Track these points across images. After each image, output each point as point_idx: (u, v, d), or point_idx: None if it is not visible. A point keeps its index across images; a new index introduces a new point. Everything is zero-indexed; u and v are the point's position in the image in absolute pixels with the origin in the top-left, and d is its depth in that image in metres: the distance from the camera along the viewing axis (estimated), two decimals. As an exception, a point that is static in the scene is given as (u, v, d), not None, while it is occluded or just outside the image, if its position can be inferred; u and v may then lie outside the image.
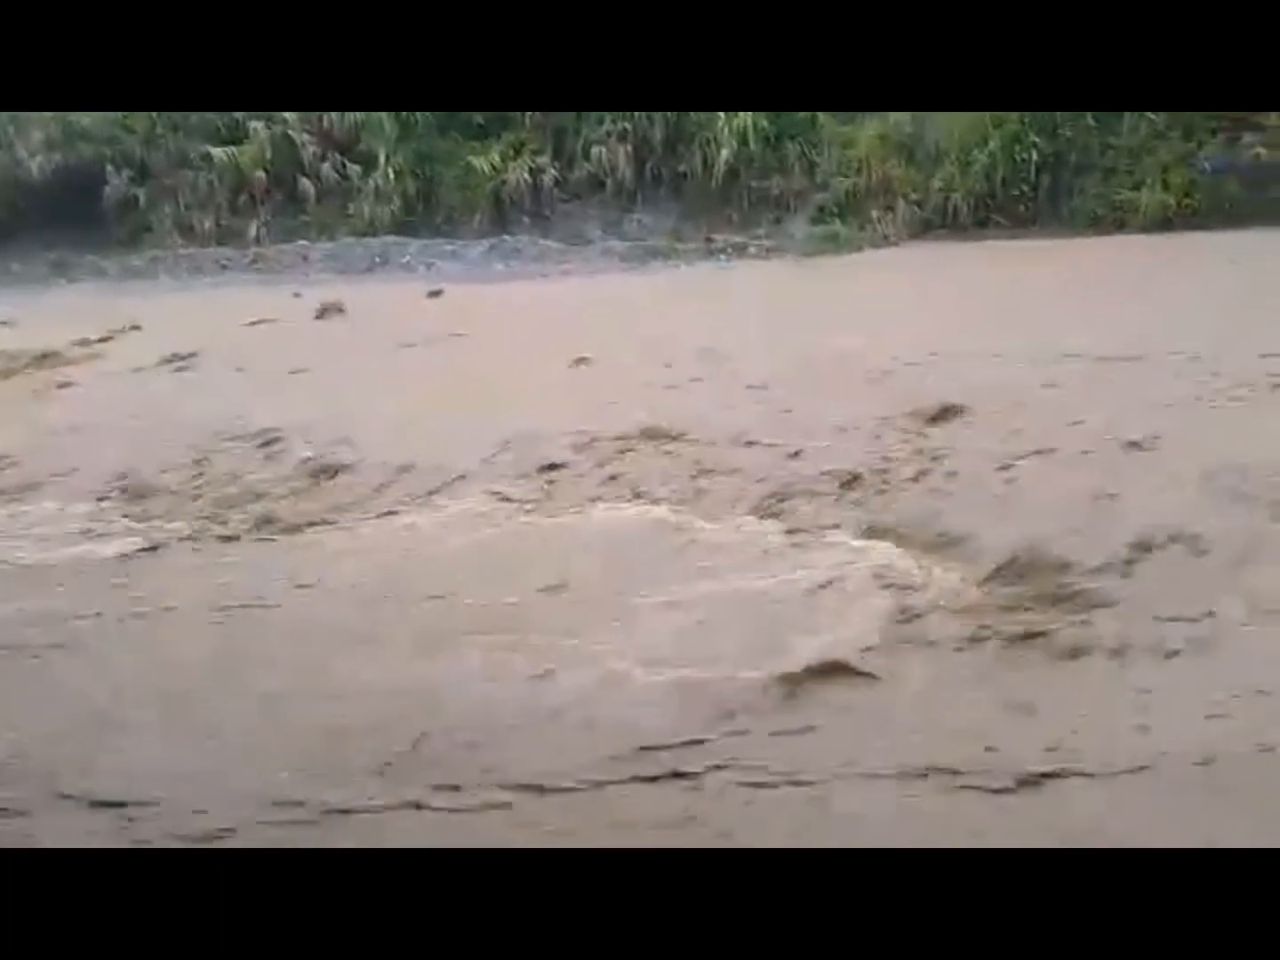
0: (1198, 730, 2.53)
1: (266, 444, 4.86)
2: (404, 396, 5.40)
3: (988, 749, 2.50)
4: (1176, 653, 2.84)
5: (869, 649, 2.93)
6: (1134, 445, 4.04)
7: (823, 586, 3.27)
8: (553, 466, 4.28)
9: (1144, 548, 3.32)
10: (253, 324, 7.34)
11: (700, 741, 2.61)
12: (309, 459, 4.63)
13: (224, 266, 10.41)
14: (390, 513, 4.10)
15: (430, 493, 4.23)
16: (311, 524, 4.05)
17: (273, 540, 3.98)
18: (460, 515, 4.04)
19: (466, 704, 2.82)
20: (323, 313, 7.63)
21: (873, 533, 3.57)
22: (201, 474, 4.64)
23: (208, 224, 10.61)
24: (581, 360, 5.68)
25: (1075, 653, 2.88)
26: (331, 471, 4.51)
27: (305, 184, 10.51)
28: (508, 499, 4.09)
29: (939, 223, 9.13)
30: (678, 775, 2.49)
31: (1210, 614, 2.97)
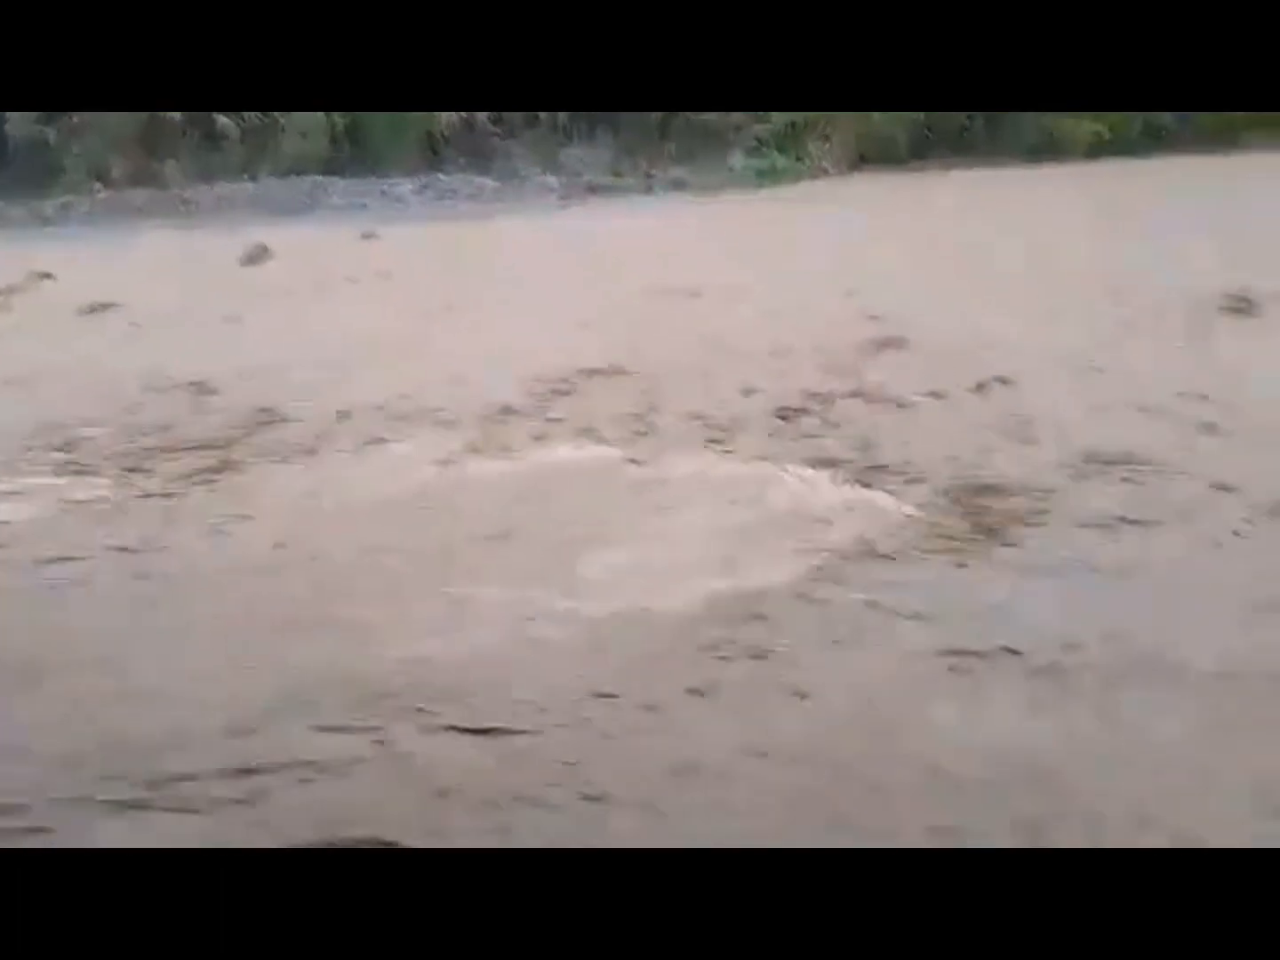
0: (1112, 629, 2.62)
1: (198, 394, 4.71)
2: (339, 342, 5.27)
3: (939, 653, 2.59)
4: (1108, 570, 2.94)
5: (814, 577, 2.99)
6: (1073, 371, 4.12)
7: (769, 517, 3.32)
8: (497, 408, 4.23)
9: (1082, 470, 3.43)
10: (176, 270, 7.07)
11: (659, 672, 2.63)
12: (243, 407, 4.50)
13: (142, 211, 9.98)
14: (329, 459, 4.02)
15: (370, 440, 4.15)
16: (246, 473, 3.96)
17: (208, 490, 3.88)
18: (402, 461, 3.97)
19: (412, 651, 2.80)
20: (250, 257, 7.37)
21: (816, 463, 3.63)
22: (130, 426, 4.49)
23: (122, 166, 10.15)
24: (522, 299, 5.59)
25: (1011, 570, 2.97)
26: (267, 420, 4.40)
27: (225, 121, 10.09)
28: (450, 443, 4.04)
29: (876, 155, 9.08)
30: (644, 708, 2.51)
31: (1144, 530, 3.06)
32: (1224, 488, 3.31)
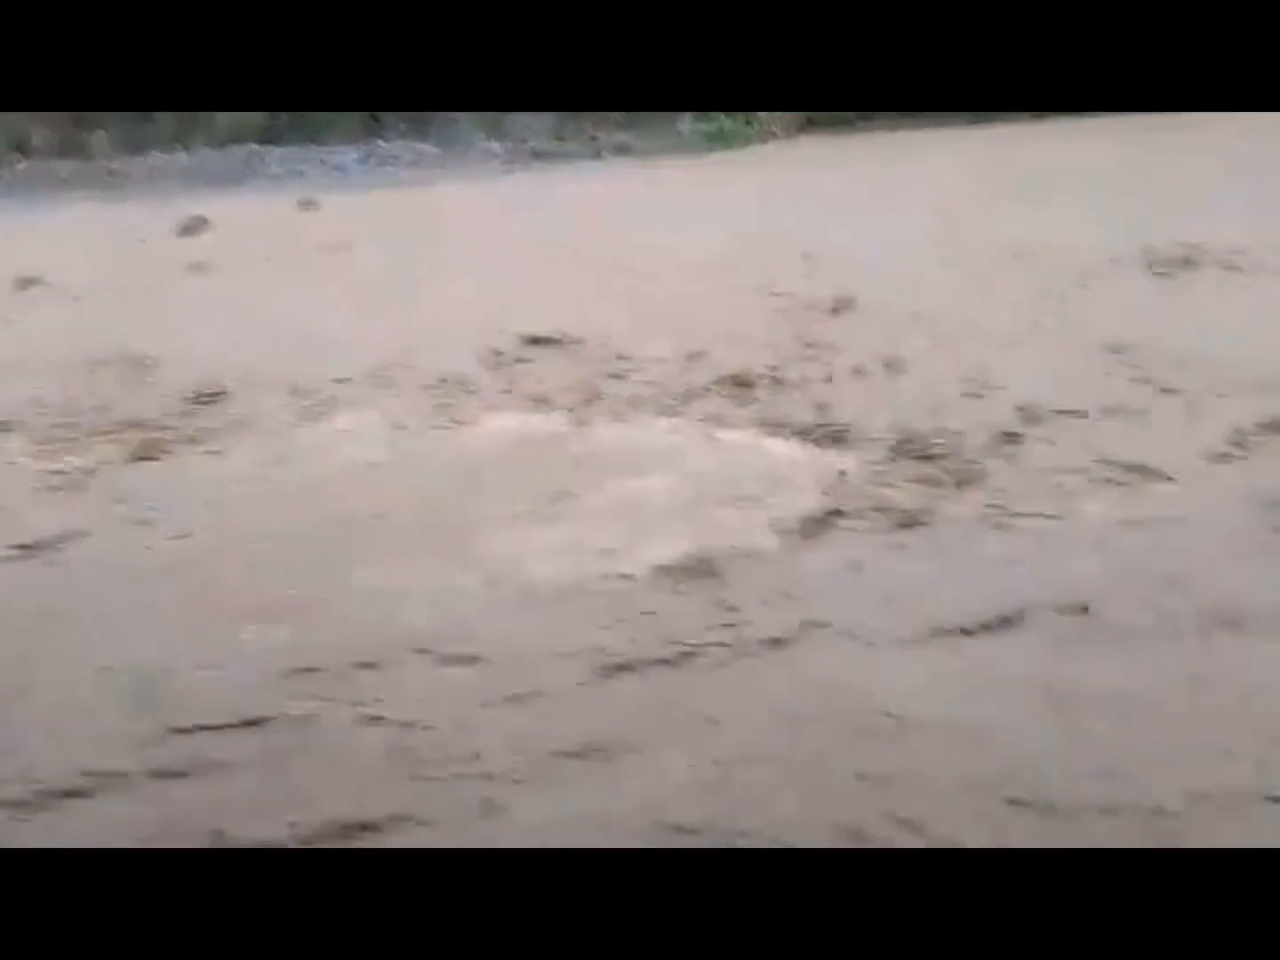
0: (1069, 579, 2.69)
1: (134, 371, 4.57)
2: (280, 315, 5.13)
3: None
4: (1052, 519, 2.98)
5: (771, 537, 3.00)
6: (1021, 328, 4.16)
7: (722, 483, 3.33)
8: (446, 379, 4.17)
9: (1027, 425, 3.47)
10: (107, 243, 6.83)
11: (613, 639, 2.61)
12: (182, 385, 4.38)
13: (67, 183, 9.62)
14: (271, 436, 3.94)
15: (314, 415, 4.07)
16: (192, 451, 3.87)
17: (146, 470, 3.78)
18: (347, 435, 3.91)
19: (356, 625, 2.76)
20: (186, 229, 7.14)
21: (769, 427, 3.62)
22: (62, 405, 4.34)
23: (45, 136, 9.76)
24: (468, 267, 5.49)
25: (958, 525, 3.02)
26: (207, 397, 4.28)
27: (154, 89, 9.72)
28: (400, 415, 3.98)
29: (824, 117, 9.03)
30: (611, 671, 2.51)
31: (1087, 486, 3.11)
32: (1171, 424, 3.39)
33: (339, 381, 4.22)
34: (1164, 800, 1.97)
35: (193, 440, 3.96)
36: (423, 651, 2.64)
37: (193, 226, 7.37)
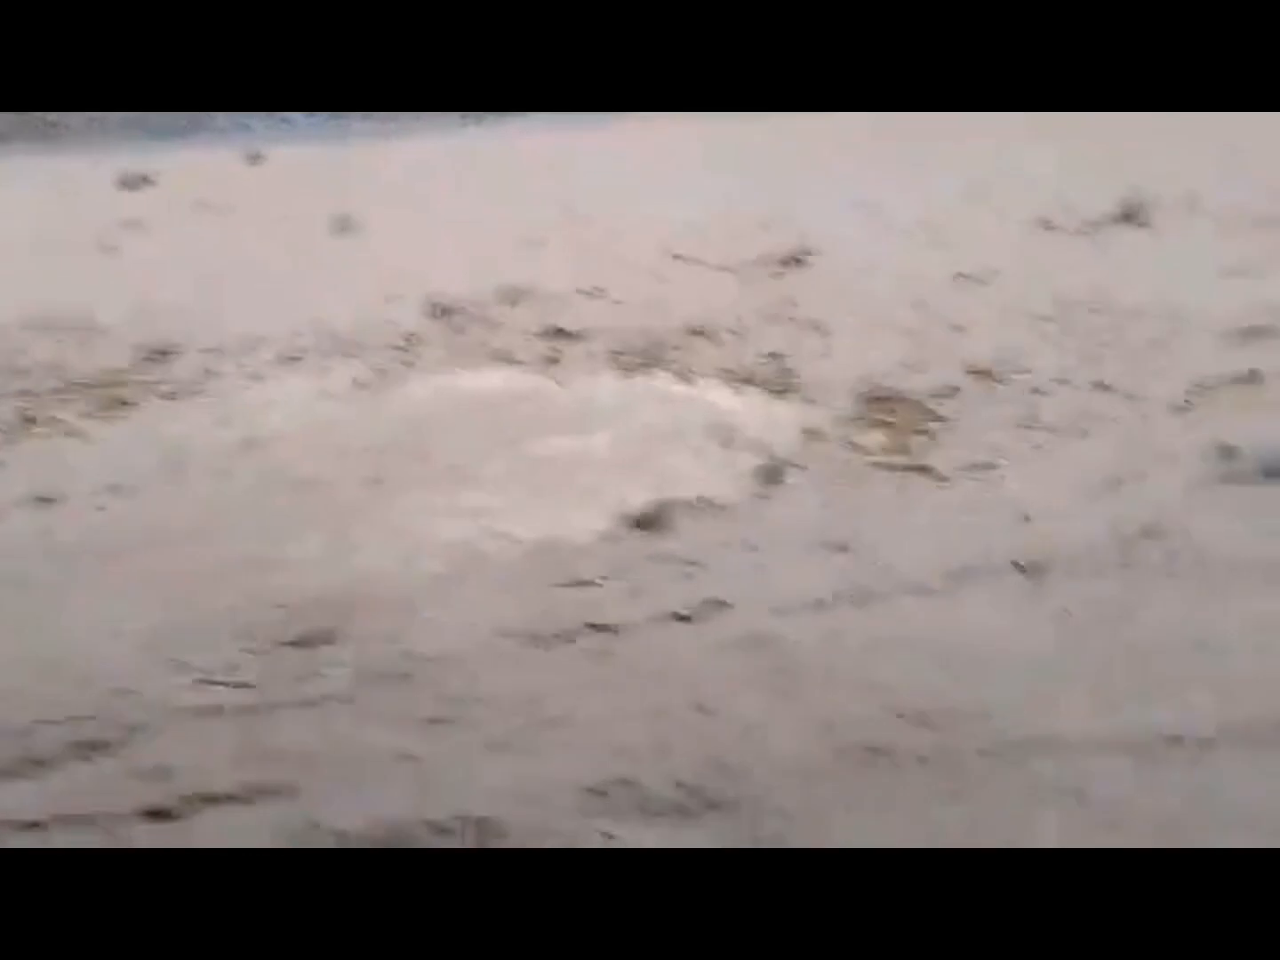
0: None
1: (78, 331, 4.46)
2: (228, 270, 5.01)
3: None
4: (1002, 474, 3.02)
5: (729, 490, 3.02)
6: (972, 281, 4.19)
7: (679, 435, 3.32)
8: (401, 334, 4.11)
9: (982, 379, 3.51)
10: (47, 199, 6.61)
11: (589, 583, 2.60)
12: (130, 343, 4.29)
13: (4, 135, 9.28)
14: (222, 395, 3.87)
15: (267, 372, 3.99)
16: (136, 412, 3.79)
17: (97, 430, 3.69)
18: (302, 392, 3.84)
19: (314, 585, 2.73)
20: (128, 183, 6.92)
21: (725, 380, 3.62)
22: (7, 367, 4.23)
23: (-22, 85, 9.40)
24: (422, 221, 5.39)
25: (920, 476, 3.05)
26: (156, 356, 4.19)
27: (91, 38, 9.38)
28: (353, 371, 3.91)
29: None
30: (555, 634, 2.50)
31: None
32: (1104, 387, 3.44)
33: (284, 338, 4.15)
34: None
35: (143, 398, 3.89)
36: (368, 608, 2.63)
37: (134, 181, 7.15)
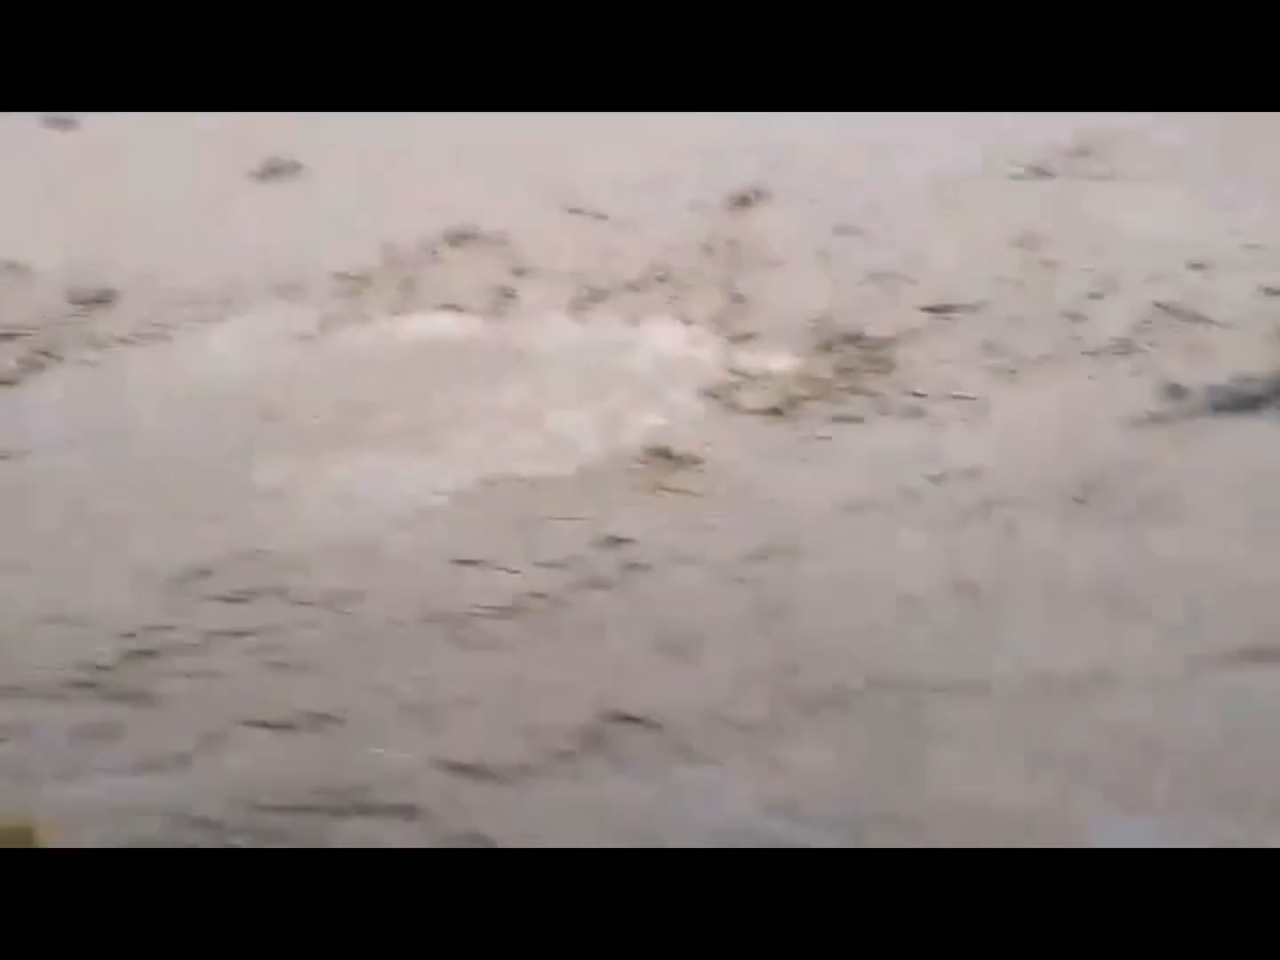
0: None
1: (7, 276, 4.30)
2: (166, 212, 4.85)
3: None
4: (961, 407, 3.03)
5: (690, 434, 3.00)
6: (934, 218, 4.17)
7: (641, 379, 3.31)
8: (346, 278, 3.99)
9: (943, 314, 3.52)
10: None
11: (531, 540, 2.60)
12: (63, 290, 4.15)
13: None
14: (163, 342, 3.78)
15: (209, 318, 3.89)
16: (72, 363, 3.70)
17: (30, 381, 3.59)
18: (244, 339, 3.75)
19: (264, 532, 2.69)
20: (56, 121, 6.64)
21: (684, 323, 3.59)
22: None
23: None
24: (371, 159, 5.23)
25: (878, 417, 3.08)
26: (92, 303, 4.06)
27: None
28: (298, 317, 3.82)
29: None
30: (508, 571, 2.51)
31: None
32: (1075, 316, 3.46)
33: (231, 282, 4.03)
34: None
35: (78, 349, 3.78)
36: (325, 557, 2.60)
37: (63, 119, 6.86)
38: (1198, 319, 3.43)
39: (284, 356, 3.65)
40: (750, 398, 3.21)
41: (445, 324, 3.76)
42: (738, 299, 3.77)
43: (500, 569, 2.51)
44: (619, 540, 2.60)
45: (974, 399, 3.14)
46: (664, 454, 2.95)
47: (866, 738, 1.98)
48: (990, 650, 2.22)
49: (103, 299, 4.06)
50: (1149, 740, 1.96)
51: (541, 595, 2.46)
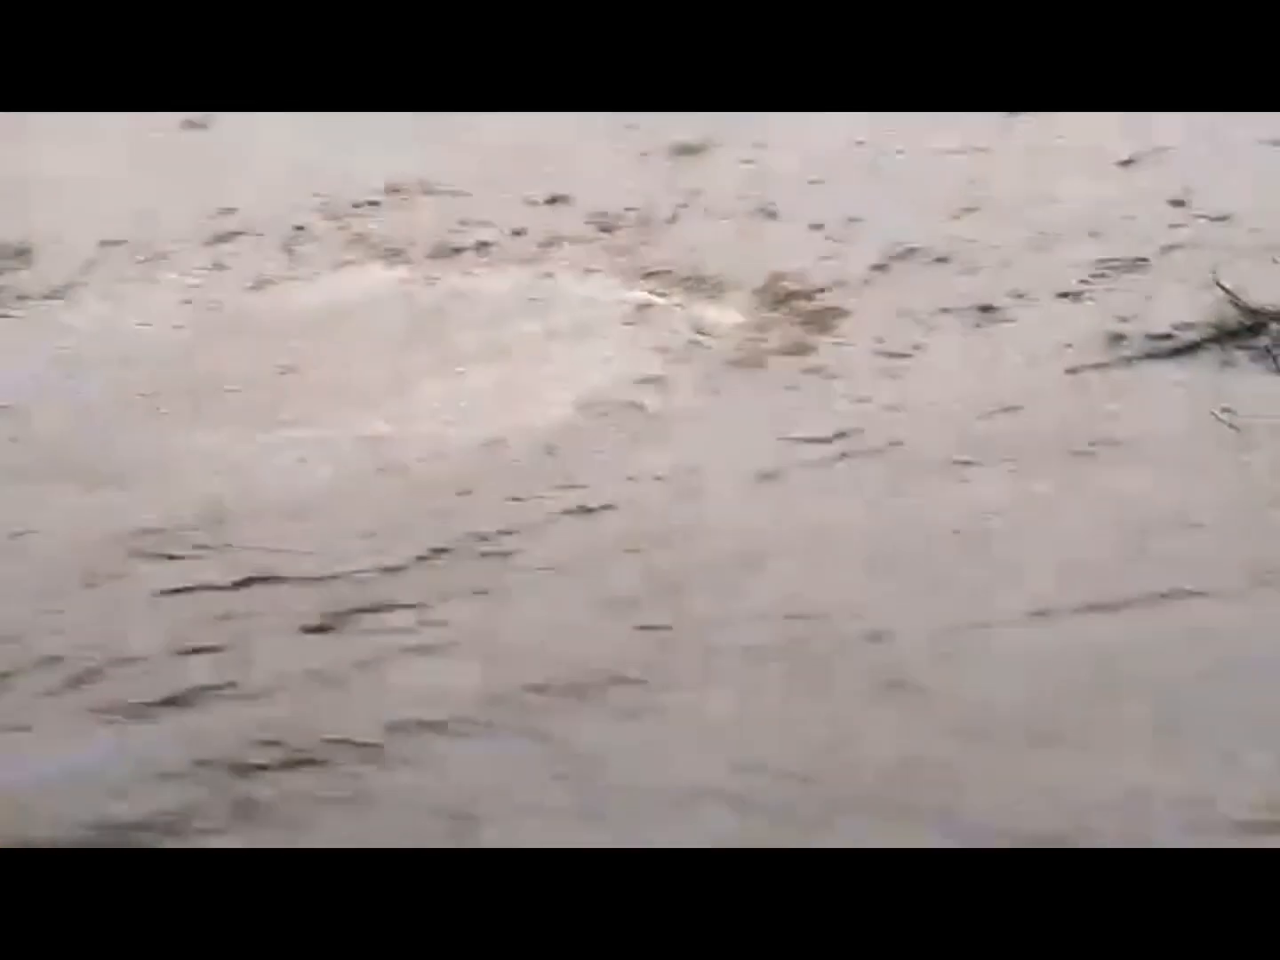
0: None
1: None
2: (82, 163, 4.64)
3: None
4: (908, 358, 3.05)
5: (642, 385, 2.97)
6: (880, 168, 4.18)
7: (588, 332, 3.27)
8: (285, 231, 3.86)
9: (888, 266, 3.55)
10: None
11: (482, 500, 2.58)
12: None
13: None
14: (91, 300, 3.63)
15: (137, 275, 3.74)
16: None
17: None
18: (176, 296, 3.62)
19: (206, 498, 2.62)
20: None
21: (634, 274, 3.56)
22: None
23: None
24: (305, 117, 5.06)
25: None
26: (8, 261, 3.88)
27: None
28: (234, 272, 3.70)
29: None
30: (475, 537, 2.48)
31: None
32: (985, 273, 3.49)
33: (159, 236, 3.88)
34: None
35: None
36: (258, 518, 2.56)
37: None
38: (1136, 268, 3.50)
39: (214, 314, 3.54)
40: (701, 350, 3.20)
41: (384, 278, 3.68)
42: (685, 251, 3.74)
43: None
44: (587, 508, 2.58)
45: (913, 349, 3.18)
46: (614, 408, 2.94)
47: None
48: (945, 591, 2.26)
49: (20, 253, 3.90)
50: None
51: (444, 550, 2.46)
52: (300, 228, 3.90)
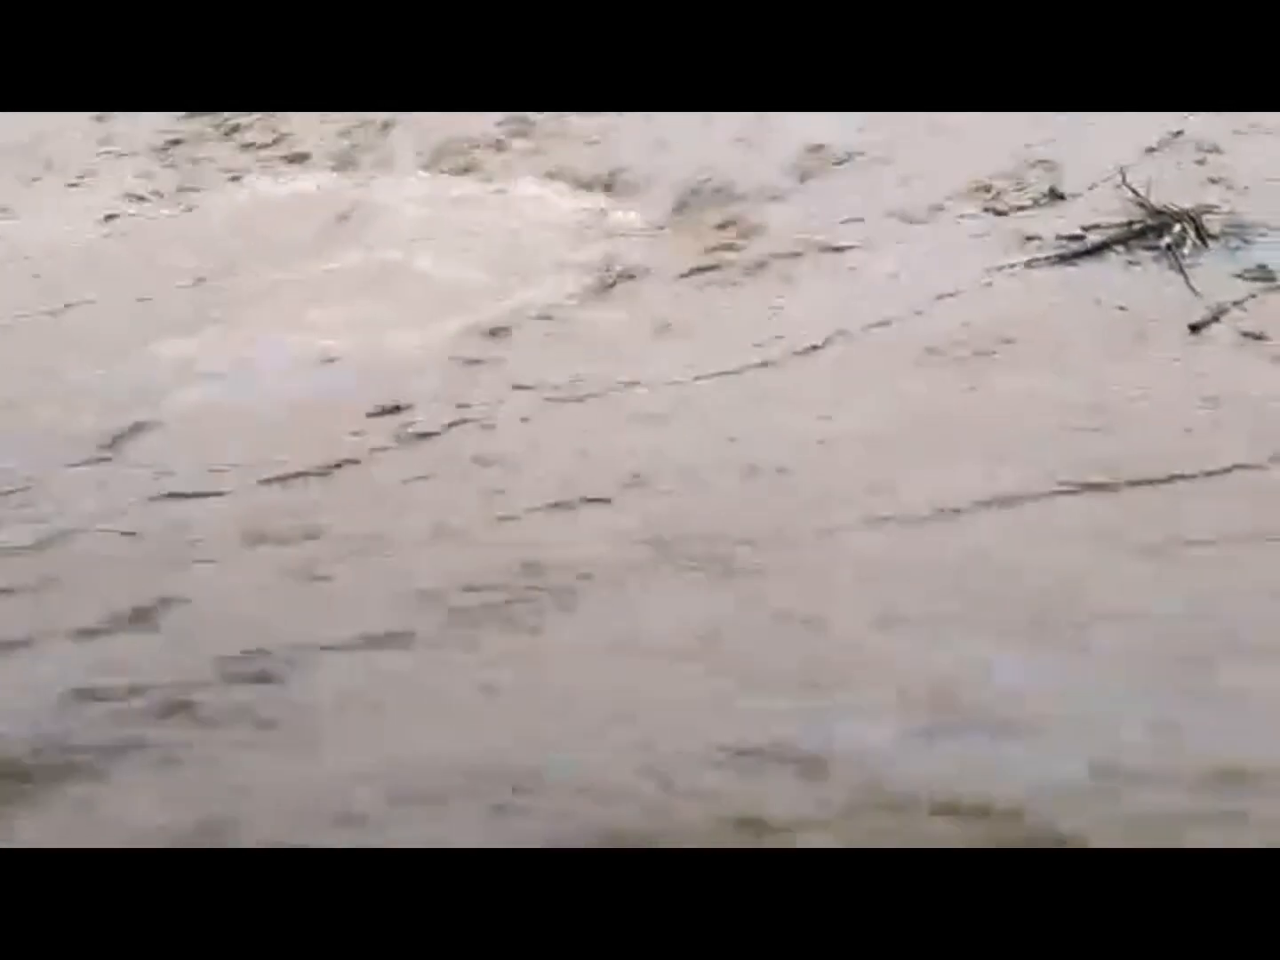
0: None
1: None
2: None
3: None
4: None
5: (570, 295, 2.96)
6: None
7: (510, 237, 3.20)
8: (179, 133, 3.67)
9: (810, 167, 3.50)
10: None
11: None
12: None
13: None
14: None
15: (24, 180, 3.57)
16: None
17: None
18: (69, 204, 3.46)
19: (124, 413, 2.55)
20: None
21: (550, 178, 3.47)
22: None
23: None
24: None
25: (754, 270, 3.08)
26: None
27: None
28: (126, 179, 3.54)
29: None
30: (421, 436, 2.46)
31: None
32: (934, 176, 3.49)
33: (45, 139, 3.67)
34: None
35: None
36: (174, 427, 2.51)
37: None
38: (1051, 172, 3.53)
39: (112, 224, 3.39)
40: (629, 258, 3.15)
41: (303, 183, 3.55)
42: (609, 156, 3.66)
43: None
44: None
45: (838, 252, 3.17)
46: (540, 318, 2.90)
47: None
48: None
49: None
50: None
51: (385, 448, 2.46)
52: (194, 130, 3.71)
